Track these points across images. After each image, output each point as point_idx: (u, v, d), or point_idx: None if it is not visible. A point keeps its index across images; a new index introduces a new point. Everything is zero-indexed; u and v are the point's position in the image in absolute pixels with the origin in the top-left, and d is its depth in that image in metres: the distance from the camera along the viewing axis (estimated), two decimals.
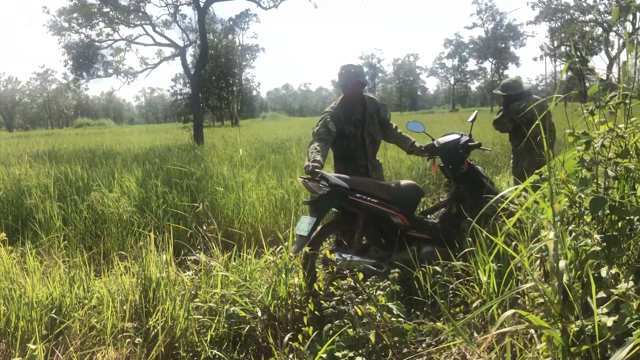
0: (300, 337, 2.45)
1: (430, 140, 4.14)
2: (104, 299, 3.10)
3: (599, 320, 1.49)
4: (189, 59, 20.62)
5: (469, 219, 3.87)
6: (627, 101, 1.91)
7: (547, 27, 50.97)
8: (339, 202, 3.59)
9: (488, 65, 74.01)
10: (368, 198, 3.58)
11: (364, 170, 4.12)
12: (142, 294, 3.18)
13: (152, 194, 6.07)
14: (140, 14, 18.36)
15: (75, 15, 17.91)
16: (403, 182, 3.93)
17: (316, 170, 3.56)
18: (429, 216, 4.11)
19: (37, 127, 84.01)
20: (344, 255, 3.44)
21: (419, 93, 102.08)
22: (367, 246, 3.74)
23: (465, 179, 3.90)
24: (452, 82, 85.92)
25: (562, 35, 47.57)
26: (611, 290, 1.67)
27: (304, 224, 3.46)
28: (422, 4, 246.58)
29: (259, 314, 2.88)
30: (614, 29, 41.52)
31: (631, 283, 1.63)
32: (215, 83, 49.84)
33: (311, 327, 2.23)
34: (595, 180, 1.91)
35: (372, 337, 2.09)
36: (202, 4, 17.27)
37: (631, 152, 1.86)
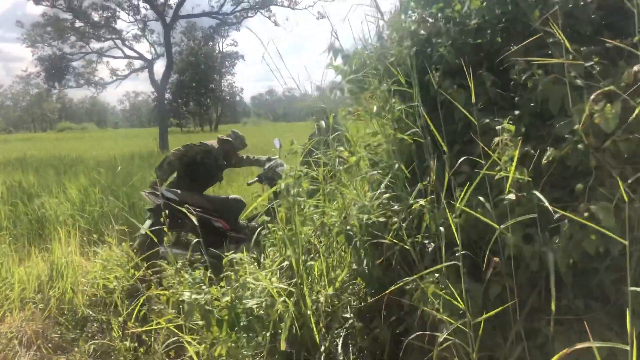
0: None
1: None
2: (18, 278, 4.28)
3: None
4: (162, 70, 21.65)
5: None
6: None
7: None
8: (170, 210, 4.53)
9: None
10: (192, 208, 4.62)
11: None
12: (49, 273, 4.37)
13: (92, 200, 7.23)
14: (111, 28, 19.47)
15: (48, 29, 18.96)
16: (229, 196, 5.21)
17: (154, 186, 4.92)
18: (253, 222, 5.25)
19: (21, 130, 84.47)
20: (168, 249, 4.25)
21: None
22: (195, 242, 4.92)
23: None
24: None
25: None
26: None
27: (144, 226, 4.69)
28: None
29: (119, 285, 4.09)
30: None
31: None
32: (195, 89, 50.87)
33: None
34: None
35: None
36: (167, 20, 18.45)
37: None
